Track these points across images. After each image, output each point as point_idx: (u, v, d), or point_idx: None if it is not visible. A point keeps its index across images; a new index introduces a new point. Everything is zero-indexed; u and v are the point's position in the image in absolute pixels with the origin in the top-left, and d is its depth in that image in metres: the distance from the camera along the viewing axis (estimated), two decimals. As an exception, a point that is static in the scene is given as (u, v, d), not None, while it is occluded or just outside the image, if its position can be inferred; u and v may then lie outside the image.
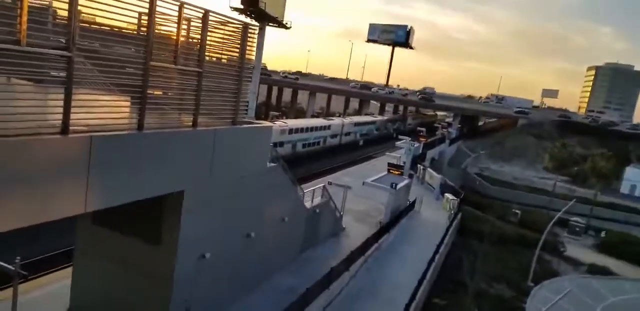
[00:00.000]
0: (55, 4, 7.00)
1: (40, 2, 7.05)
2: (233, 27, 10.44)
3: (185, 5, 8.47)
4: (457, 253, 29.12)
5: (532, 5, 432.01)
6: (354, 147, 66.27)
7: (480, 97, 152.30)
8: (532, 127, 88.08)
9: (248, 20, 43.79)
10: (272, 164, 14.18)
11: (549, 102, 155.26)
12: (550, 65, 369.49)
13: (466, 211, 36.08)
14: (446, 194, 34.14)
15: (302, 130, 51.97)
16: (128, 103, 8.32)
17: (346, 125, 67.01)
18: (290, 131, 49.59)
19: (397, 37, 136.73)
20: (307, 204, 18.70)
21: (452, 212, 31.12)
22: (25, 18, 5.83)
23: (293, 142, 49.84)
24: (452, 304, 21.89)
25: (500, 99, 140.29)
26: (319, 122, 61.28)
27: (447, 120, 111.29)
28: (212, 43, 9.82)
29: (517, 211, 43.29)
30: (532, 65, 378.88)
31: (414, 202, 30.79)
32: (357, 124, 71.78)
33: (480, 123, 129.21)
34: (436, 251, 23.12)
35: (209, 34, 9.41)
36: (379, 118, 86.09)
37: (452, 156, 66.40)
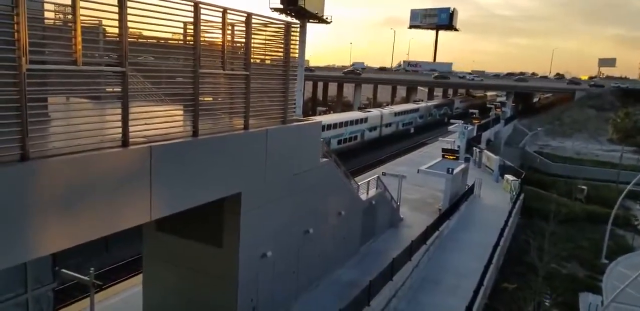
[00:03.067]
0: (105, 22, 7.27)
1: (91, 22, 7.29)
2: (275, 27, 10.49)
3: (228, 11, 8.58)
4: (523, 236, 28.40)
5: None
6: (398, 138, 63.34)
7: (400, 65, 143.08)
8: (591, 98, 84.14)
9: (289, 18, 44.03)
10: (324, 159, 14.22)
11: (607, 71, 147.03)
12: (605, 33, 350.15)
13: (529, 191, 35.02)
14: (506, 175, 33.17)
15: (335, 125, 48.91)
16: (181, 112, 8.53)
17: (385, 115, 63.37)
18: (323, 128, 47.05)
19: (440, 20, 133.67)
20: (363, 196, 18.66)
21: (514, 193, 30.23)
22: (79, 39, 6.06)
23: (326, 139, 46.50)
24: (522, 287, 21.39)
25: (413, 65, 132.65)
26: (354, 115, 58.28)
27: (499, 99, 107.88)
28: (256, 45, 9.91)
29: (583, 187, 41.65)
30: (585, 35, 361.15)
31: (472, 186, 30.09)
32: (397, 114, 67.86)
33: (535, 99, 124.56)
34: (500, 235, 22.58)
35: (253, 36, 9.50)
36: (422, 104, 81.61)
37: (509, 136, 64.52)
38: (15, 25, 5.37)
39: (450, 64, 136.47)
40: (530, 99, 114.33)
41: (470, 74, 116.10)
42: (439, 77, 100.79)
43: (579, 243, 29.94)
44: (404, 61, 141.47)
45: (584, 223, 33.70)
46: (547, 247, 22.97)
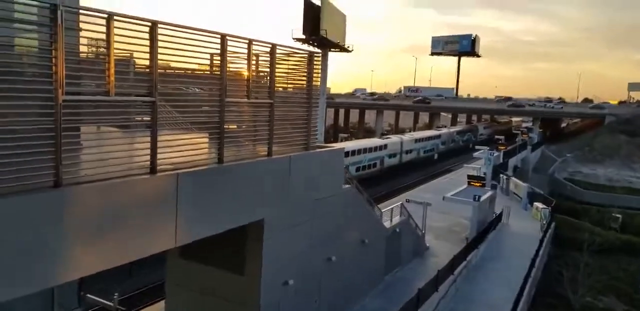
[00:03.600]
0: (137, 54, 7.63)
1: (124, 54, 7.66)
2: (299, 57, 10.79)
3: (253, 42, 8.90)
4: (556, 266, 27.53)
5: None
6: (420, 165, 63.23)
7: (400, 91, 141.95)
8: (621, 124, 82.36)
9: (311, 48, 44.97)
10: (347, 186, 14.26)
11: (637, 95, 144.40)
12: (632, 57, 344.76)
13: (560, 219, 34.10)
14: (535, 203, 32.42)
15: (354, 152, 48.33)
16: (207, 139, 8.77)
17: (406, 142, 62.37)
18: None
19: (461, 47, 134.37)
20: (387, 224, 18.51)
21: (545, 221, 29.43)
22: (112, 71, 6.37)
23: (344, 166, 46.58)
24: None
25: (414, 91, 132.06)
26: (373, 142, 57.80)
27: (525, 125, 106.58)
28: (280, 74, 10.20)
29: (617, 215, 40.35)
30: (610, 59, 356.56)
31: (500, 214, 29.47)
32: (418, 140, 67.13)
33: (563, 124, 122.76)
34: (532, 265, 21.88)
35: (276, 66, 9.79)
36: (445, 131, 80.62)
37: (537, 162, 63.35)
38: (53, 59, 5.69)
39: (452, 89, 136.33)
40: (558, 125, 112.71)
41: (546, 101, 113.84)
42: (419, 101, 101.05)
43: (615, 274, 28.82)
44: (404, 87, 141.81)
45: (620, 253, 32.48)
46: (581, 279, 22.20)
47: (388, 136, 66.11)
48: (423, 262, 21.32)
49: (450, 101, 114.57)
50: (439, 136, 75.27)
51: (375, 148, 54.34)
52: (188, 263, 11.32)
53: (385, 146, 57.18)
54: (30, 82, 5.87)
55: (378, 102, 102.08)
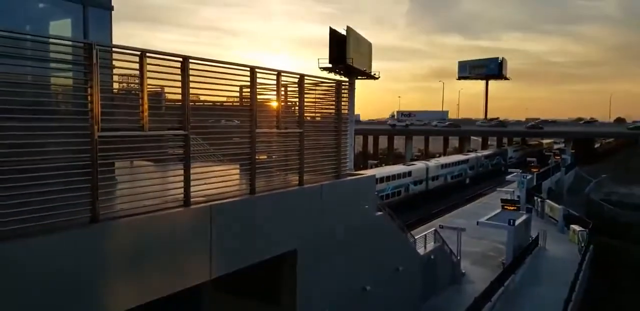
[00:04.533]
0: (168, 89, 7.78)
1: (155, 89, 7.82)
2: (326, 86, 10.85)
3: (282, 73, 8.99)
4: (598, 290, 26.46)
5: (626, 17, 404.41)
6: (448, 191, 60.85)
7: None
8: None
9: (337, 76, 45.53)
10: (379, 213, 14.07)
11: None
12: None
13: (599, 242, 32.96)
14: (572, 226, 31.52)
15: (376, 181, 46.50)
16: (239, 170, 8.79)
17: (431, 168, 60.63)
18: None
19: (489, 70, 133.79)
20: (421, 251, 18.15)
21: (583, 244, 28.52)
22: (146, 106, 6.48)
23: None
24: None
25: (406, 115, 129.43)
26: (397, 169, 56.07)
27: (557, 146, 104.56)
28: (308, 104, 10.25)
29: (657, 235, 38.86)
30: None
31: (536, 238, 28.70)
32: (445, 166, 65.22)
33: (596, 145, 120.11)
34: (572, 289, 21.11)
35: (305, 95, 9.84)
36: (472, 155, 78.87)
37: (571, 184, 61.88)
38: (89, 96, 5.82)
39: (446, 112, 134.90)
40: (591, 145, 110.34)
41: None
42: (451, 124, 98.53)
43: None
44: (397, 111, 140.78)
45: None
46: (625, 303, 21.18)
47: (413, 162, 64.04)
48: (460, 289, 20.78)
49: (475, 125, 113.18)
50: (466, 161, 73.40)
51: (399, 176, 52.75)
52: (223, 296, 11.19)
53: (410, 173, 55.54)
54: (67, 120, 6.00)
55: (408, 128, 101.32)
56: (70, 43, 5.89)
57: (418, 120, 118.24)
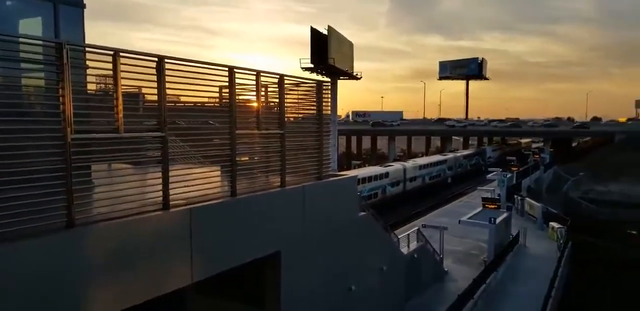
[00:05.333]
0: (145, 89, 7.61)
1: (131, 90, 7.64)
2: (307, 86, 10.76)
3: (261, 73, 8.88)
4: (577, 286, 26.88)
5: (606, 18, 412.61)
6: (427, 192, 59.91)
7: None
8: (632, 140, 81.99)
9: (319, 77, 45.47)
10: (362, 213, 14.03)
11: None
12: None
13: (577, 238, 33.55)
14: (551, 223, 32.10)
15: None
16: (219, 172, 8.64)
17: (409, 169, 59.46)
18: None
19: (469, 70, 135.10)
20: (404, 250, 18.19)
21: (561, 241, 29.01)
22: (120, 107, 6.31)
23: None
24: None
25: (361, 115, 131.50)
26: (374, 170, 54.51)
27: (535, 145, 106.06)
28: (289, 104, 10.14)
29: (633, 232, 39.71)
30: (621, 78, 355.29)
31: (517, 236, 29.07)
32: (423, 166, 64.24)
33: (574, 144, 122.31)
34: (551, 286, 21.41)
35: (286, 96, 9.73)
36: (450, 155, 78.16)
37: (550, 182, 62.82)
38: (61, 97, 5.64)
39: (400, 112, 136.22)
40: (569, 144, 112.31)
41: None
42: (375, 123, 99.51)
43: (635, 291, 28.08)
44: (352, 111, 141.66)
45: (639, 270, 31.78)
46: (603, 297, 21.53)
47: (390, 164, 62.82)
48: (443, 287, 20.92)
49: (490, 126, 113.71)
50: (444, 161, 72.48)
51: (376, 177, 51.31)
52: (206, 299, 11.03)
53: (387, 174, 54.19)
54: (39, 122, 5.80)
55: (378, 128, 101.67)
56: (40, 42, 5.68)
57: (373, 120, 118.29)
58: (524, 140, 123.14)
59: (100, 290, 6.08)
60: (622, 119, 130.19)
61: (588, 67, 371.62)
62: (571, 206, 52.24)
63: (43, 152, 5.75)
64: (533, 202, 37.19)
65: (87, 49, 6.16)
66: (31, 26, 7.50)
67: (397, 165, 59.38)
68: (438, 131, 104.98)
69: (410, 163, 62.54)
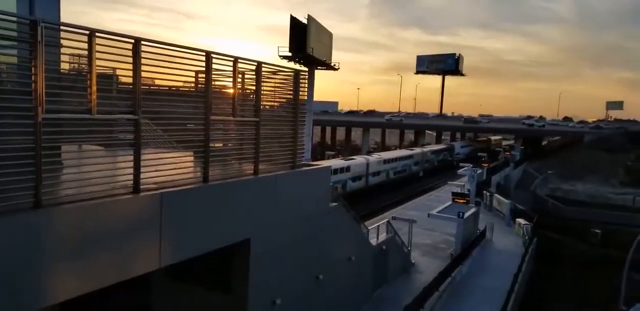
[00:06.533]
0: (119, 71, 7.50)
1: (106, 71, 7.53)
2: (284, 75, 10.75)
3: (239, 60, 8.83)
4: (538, 281, 27.64)
5: (581, 19, 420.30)
6: (391, 187, 56.96)
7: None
8: (601, 141, 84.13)
9: (297, 66, 45.21)
10: (334, 204, 14.15)
11: (615, 114, 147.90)
12: (612, 77, 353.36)
13: (542, 235, 34.43)
14: (518, 219, 32.79)
15: None
16: (192, 158, 8.61)
17: (372, 163, 57.01)
18: None
19: (446, 65, 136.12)
20: (373, 241, 18.42)
21: (527, 237, 29.72)
22: (94, 88, 6.22)
23: None
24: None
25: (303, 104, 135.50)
26: (335, 163, 49.99)
27: (506, 143, 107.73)
28: (266, 92, 10.12)
29: (597, 231, 40.93)
30: (593, 79, 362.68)
31: (484, 231, 29.69)
32: (387, 161, 61.81)
33: (544, 142, 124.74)
34: (514, 281, 21.98)
35: (262, 83, 9.71)
36: (417, 150, 75.43)
37: (519, 179, 64.18)
38: (33, 75, 5.54)
39: (336, 103, 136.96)
40: (540, 142, 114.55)
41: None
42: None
43: (596, 288, 29.10)
44: None
45: (600, 268, 32.92)
46: (563, 292, 22.24)
47: (352, 157, 59.88)
48: (409, 279, 21.26)
49: (420, 119, 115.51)
50: (410, 156, 70.23)
51: (337, 171, 48.25)
52: (173, 284, 11.03)
53: (348, 168, 51.84)
54: (9, 100, 5.68)
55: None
56: (14, 19, 5.55)
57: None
58: (494, 137, 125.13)
59: (65, 272, 6.04)
60: (593, 119, 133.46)
61: (562, 67, 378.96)
62: (538, 203, 53.46)
63: (12, 131, 5.65)
64: (501, 198, 37.94)
65: (62, 27, 6.04)
66: (5, 2, 7.30)
67: (360, 159, 57.40)
68: (399, 125, 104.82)
69: (374, 157, 60.18)
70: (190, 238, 8.13)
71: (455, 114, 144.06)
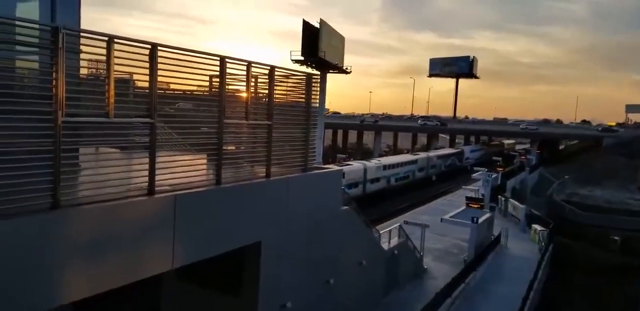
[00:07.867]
0: (136, 76, 7.70)
1: (123, 75, 7.73)
2: (297, 78, 10.90)
3: (252, 64, 9.00)
4: (554, 288, 27.30)
5: (594, 20, 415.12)
6: (392, 195, 53.42)
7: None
8: (620, 146, 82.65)
9: (309, 69, 45.45)
10: (345, 207, 14.22)
11: (635, 117, 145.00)
12: (629, 79, 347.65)
13: (558, 242, 33.99)
14: (533, 225, 32.37)
15: None
16: (205, 161, 8.78)
17: (370, 169, 53.21)
18: None
19: (460, 68, 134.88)
20: (385, 246, 18.42)
21: (543, 243, 29.35)
22: (112, 92, 6.42)
23: None
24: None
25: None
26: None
27: (522, 147, 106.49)
28: (278, 96, 10.27)
29: (615, 237, 40.26)
30: (609, 81, 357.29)
31: (498, 236, 29.39)
32: (388, 167, 57.81)
33: (561, 146, 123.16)
34: (530, 288, 21.76)
35: (275, 87, 9.86)
36: (422, 155, 71.31)
37: (535, 184, 63.39)
38: (54, 80, 5.74)
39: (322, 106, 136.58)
40: (556, 146, 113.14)
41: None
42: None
43: (614, 297, 28.63)
44: None
45: (619, 276, 32.36)
46: (580, 301, 21.94)
47: (348, 162, 56.30)
48: (421, 284, 21.16)
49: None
50: (414, 161, 66.15)
51: None
52: (184, 285, 11.19)
53: (342, 175, 47.12)
54: (30, 104, 5.90)
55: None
56: (37, 26, 5.77)
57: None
58: (507, 141, 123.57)
59: (79, 272, 6.21)
60: (612, 123, 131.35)
61: (576, 69, 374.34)
62: (554, 209, 52.75)
63: (33, 134, 5.86)
64: (517, 203, 37.50)
65: (82, 34, 6.25)
66: (28, 10, 7.56)
67: (357, 164, 53.78)
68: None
69: (372, 163, 56.41)
70: (203, 240, 8.29)
71: (470, 118, 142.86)
